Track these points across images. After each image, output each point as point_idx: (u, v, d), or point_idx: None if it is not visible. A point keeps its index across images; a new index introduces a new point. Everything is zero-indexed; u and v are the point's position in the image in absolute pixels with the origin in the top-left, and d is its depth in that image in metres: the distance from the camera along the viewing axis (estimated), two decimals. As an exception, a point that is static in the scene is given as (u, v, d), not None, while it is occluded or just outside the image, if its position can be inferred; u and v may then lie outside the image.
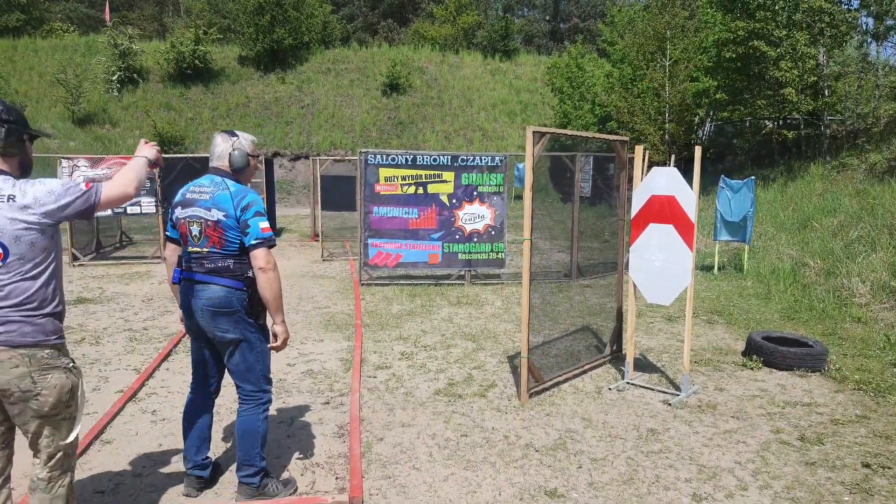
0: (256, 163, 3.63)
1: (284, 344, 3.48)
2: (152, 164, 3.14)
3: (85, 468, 3.94)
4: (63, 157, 12.13)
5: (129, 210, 12.23)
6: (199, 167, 12.02)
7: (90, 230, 13.32)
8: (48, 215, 2.63)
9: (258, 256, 3.30)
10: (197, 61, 28.97)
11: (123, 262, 12.38)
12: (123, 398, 5.06)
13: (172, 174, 12.05)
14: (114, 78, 28.15)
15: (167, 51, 29.07)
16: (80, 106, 26.22)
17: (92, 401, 5.08)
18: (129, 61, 28.60)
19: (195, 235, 3.38)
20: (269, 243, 3.33)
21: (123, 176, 2.89)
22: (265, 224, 3.34)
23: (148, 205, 12.24)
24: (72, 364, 2.76)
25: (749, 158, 18.83)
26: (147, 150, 3.14)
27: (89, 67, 28.22)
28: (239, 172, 3.47)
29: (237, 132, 3.54)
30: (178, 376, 5.72)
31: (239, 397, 3.57)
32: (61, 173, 11.87)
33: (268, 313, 3.50)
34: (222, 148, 3.47)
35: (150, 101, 28.14)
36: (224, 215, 3.31)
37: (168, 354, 6.34)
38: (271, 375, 3.65)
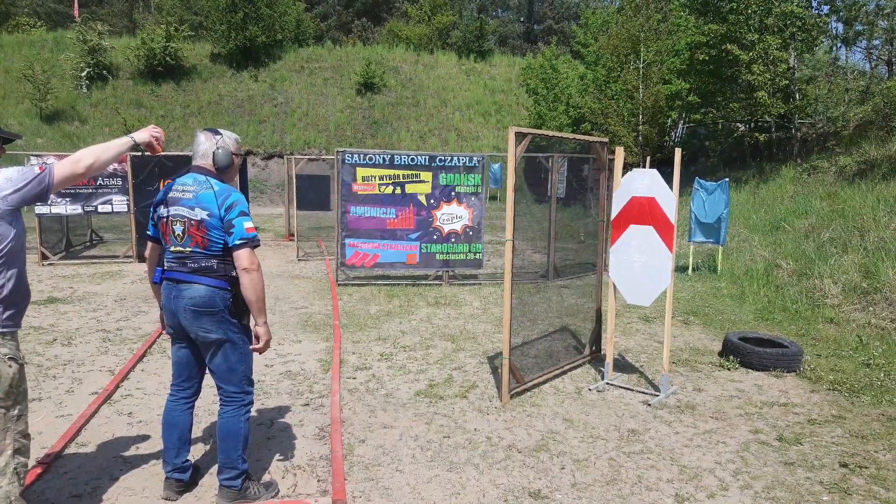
0: (238, 163, 3.57)
1: (267, 346, 3.44)
2: (141, 147, 3.11)
3: (60, 471, 3.85)
4: (32, 154, 11.87)
5: (99, 208, 12.00)
6: (172, 165, 11.85)
7: (59, 229, 13.06)
8: (6, 201, 2.67)
9: (242, 257, 3.25)
10: (168, 58, 28.58)
11: (94, 261, 12.14)
12: (98, 400, 4.95)
13: (144, 172, 11.86)
14: (83, 74, 27.63)
15: (137, 47, 28.62)
16: (48, 103, 25.72)
17: (66, 403, 4.97)
18: (99, 58, 28.10)
19: (178, 235, 3.32)
20: (253, 243, 3.29)
21: (82, 152, 2.89)
22: (249, 224, 3.29)
23: (119, 203, 12.02)
24: (8, 356, 2.69)
25: (721, 161, 19.10)
26: (139, 132, 3.14)
27: (57, 63, 27.69)
28: (223, 171, 3.42)
29: (220, 130, 3.48)
30: (154, 377, 5.61)
31: (220, 399, 3.51)
32: (29, 170, 11.61)
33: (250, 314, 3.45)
34: (206, 146, 3.40)
35: (119, 98, 27.67)
36: (208, 214, 3.26)
37: (143, 355, 6.23)
38: (252, 377, 3.60)
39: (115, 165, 11.88)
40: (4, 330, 2.69)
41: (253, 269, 3.26)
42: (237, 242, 3.25)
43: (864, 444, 4.52)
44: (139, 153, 3.19)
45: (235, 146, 3.51)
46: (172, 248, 3.36)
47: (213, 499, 3.57)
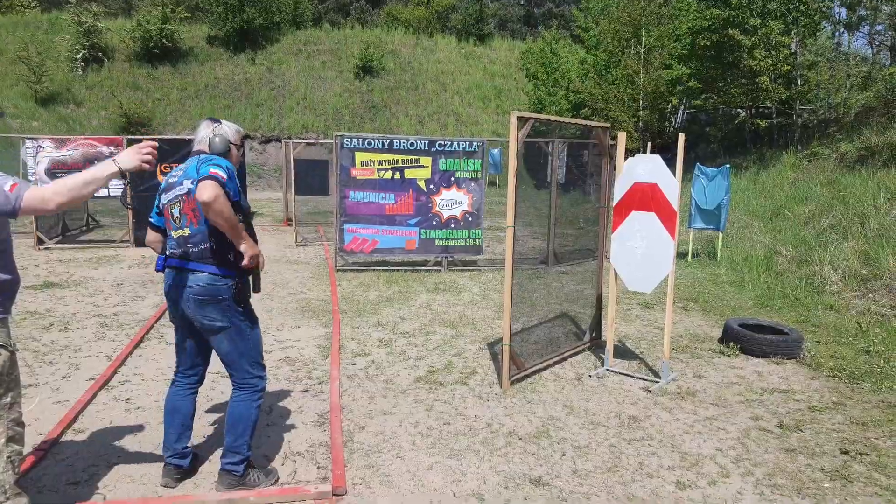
0: (239, 154, 3.55)
1: (255, 259, 3.30)
2: (124, 173, 2.81)
3: (58, 458, 3.82)
4: (27, 138, 11.77)
5: (96, 192, 11.91)
6: (168, 149, 11.74)
7: (55, 213, 12.97)
8: None
9: (201, 189, 3.04)
10: (164, 40, 28.33)
11: (91, 245, 12.07)
12: (95, 386, 4.91)
13: (141, 156, 11.76)
14: (78, 56, 27.39)
15: (133, 29, 28.36)
16: (43, 85, 25.49)
17: (63, 388, 4.94)
18: (94, 39, 27.84)
19: (176, 217, 3.34)
20: (214, 179, 3.08)
21: (58, 184, 2.67)
22: (217, 170, 3.13)
23: (115, 187, 11.92)
24: None
25: (721, 147, 19.03)
26: (126, 155, 2.81)
27: (52, 45, 27.42)
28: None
29: (222, 120, 3.49)
30: (152, 363, 5.58)
31: (233, 384, 3.49)
32: (25, 154, 11.52)
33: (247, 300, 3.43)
34: (203, 133, 3.41)
35: (115, 80, 27.46)
36: (192, 182, 3.23)
37: (140, 341, 6.19)
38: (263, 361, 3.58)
39: (112, 149, 11.78)
40: None
41: (212, 199, 3.02)
42: (198, 178, 3.10)
43: (864, 431, 4.51)
44: (124, 181, 2.93)
45: (235, 136, 3.48)
46: (174, 234, 3.36)
47: (212, 486, 3.54)
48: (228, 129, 3.45)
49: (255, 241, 3.42)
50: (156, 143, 2.93)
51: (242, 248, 3.28)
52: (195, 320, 3.33)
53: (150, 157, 2.86)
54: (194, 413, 3.66)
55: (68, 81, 26.81)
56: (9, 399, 2.69)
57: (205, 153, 3.37)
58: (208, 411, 4.55)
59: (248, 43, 30.29)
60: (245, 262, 3.31)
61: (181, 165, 3.39)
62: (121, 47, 28.82)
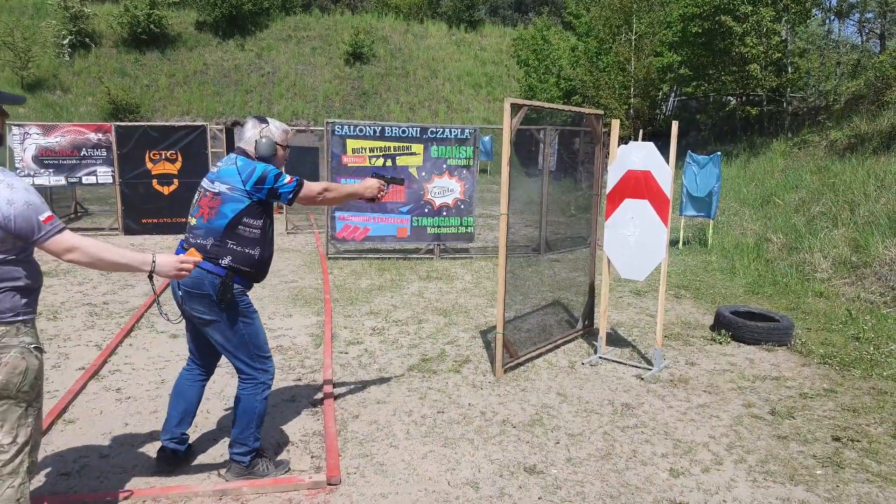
0: (286, 154, 3.58)
1: (372, 192, 3.74)
2: (151, 275, 2.73)
3: (48, 448, 3.78)
4: (14, 124, 11.62)
5: (84, 180, 11.80)
6: (157, 135, 11.64)
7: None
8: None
9: (308, 196, 3.42)
10: (152, 26, 28.04)
11: (79, 233, 11.91)
12: (86, 375, 4.87)
13: (130, 143, 11.64)
14: (65, 42, 27.08)
15: (121, 14, 28.03)
16: (29, 71, 25.21)
17: (52, 378, 4.88)
18: (81, 25, 27.53)
19: (193, 205, 3.38)
20: (300, 185, 3.38)
21: (90, 245, 2.58)
22: (287, 178, 3.35)
23: (104, 174, 11.82)
24: (34, 345, 2.50)
25: (712, 134, 19.04)
26: (164, 262, 2.72)
27: (38, 30, 27.05)
28: (265, 160, 3.40)
29: (269, 119, 3.48)
30: (142, 352, 5.54)
31: (238, 377, 3.47)
32: (12, 140, 11.38)
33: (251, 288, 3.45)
34: (250, 133, 3.42)
35: (103, 66, 27.17)
36: (228, 188, 3.26)
37: (130, 330, 6.13)
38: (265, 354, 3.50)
39: (100, 135, 11.67)
40: (26, 318, 2.50)
41: (323, 194, 3.50)
42: (291, 196, 3.37)
43: (855, 417, 4.54)
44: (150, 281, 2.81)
45: (282, 137, 3.49)
46: (189, 219, 3.40)
47: (204, 477, 3.52)
48: (276, 131, 3.45)
49: (271, 249, 3.50)
50: (199, 260, 2.99)
51: (364, 195, 3.70)
52: (186, 310, 3.33)
53: (186, 273, 2.82)
54: (199, 402, 3.65)
55: (55, 67, 26.51)
56: (40, 403, 2.56)
57: (247, 152, 3.40)
58: (210, 404, 4.50)
59: (236, 29, 30.01)
60: (377, 200, 3.79)
61: (223, 159, 3.44)
62: (108, 33, 28.50)
